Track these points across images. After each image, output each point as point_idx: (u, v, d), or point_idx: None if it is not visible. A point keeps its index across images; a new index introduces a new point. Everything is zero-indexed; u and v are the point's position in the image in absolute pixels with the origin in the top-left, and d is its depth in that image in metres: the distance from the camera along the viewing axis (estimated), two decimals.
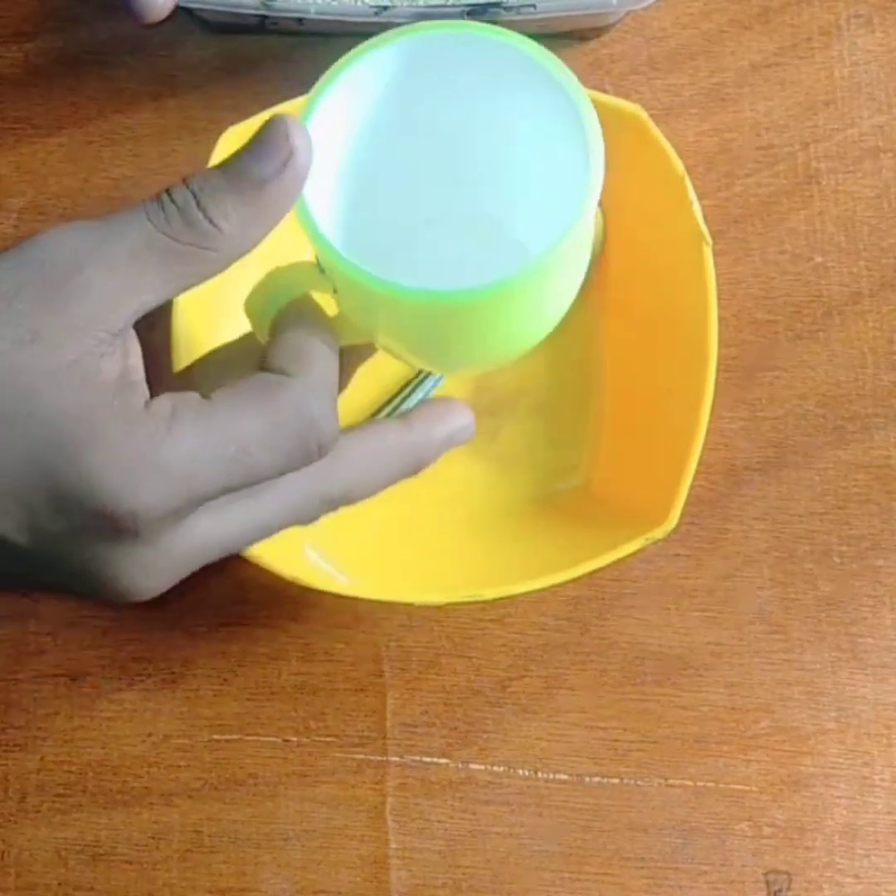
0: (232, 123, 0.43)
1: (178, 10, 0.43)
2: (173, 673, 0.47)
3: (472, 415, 0.34)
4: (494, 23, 0.46)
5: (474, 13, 0.45)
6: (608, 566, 0.41)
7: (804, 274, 0.49)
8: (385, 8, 0.45)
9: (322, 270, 0.32)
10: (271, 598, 0.47)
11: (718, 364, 0.42)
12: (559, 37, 0.48)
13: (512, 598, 0.42)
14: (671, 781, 0.47)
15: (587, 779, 0.47)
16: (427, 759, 0.47)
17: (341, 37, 0.36)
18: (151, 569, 0.30)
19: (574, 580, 0.41)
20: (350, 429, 0.33)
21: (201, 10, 0.46)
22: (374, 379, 0.48)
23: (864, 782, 0.47)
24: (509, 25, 0.46)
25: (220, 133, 0.43)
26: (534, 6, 0.45)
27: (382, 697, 0.47)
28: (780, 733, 0.47)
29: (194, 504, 0.29)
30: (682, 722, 0.47)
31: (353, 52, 0.32)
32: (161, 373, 0.32)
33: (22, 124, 0.50)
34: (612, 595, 0.48)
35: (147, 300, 0.29)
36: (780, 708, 0.47)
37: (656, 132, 0.43)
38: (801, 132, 0.50)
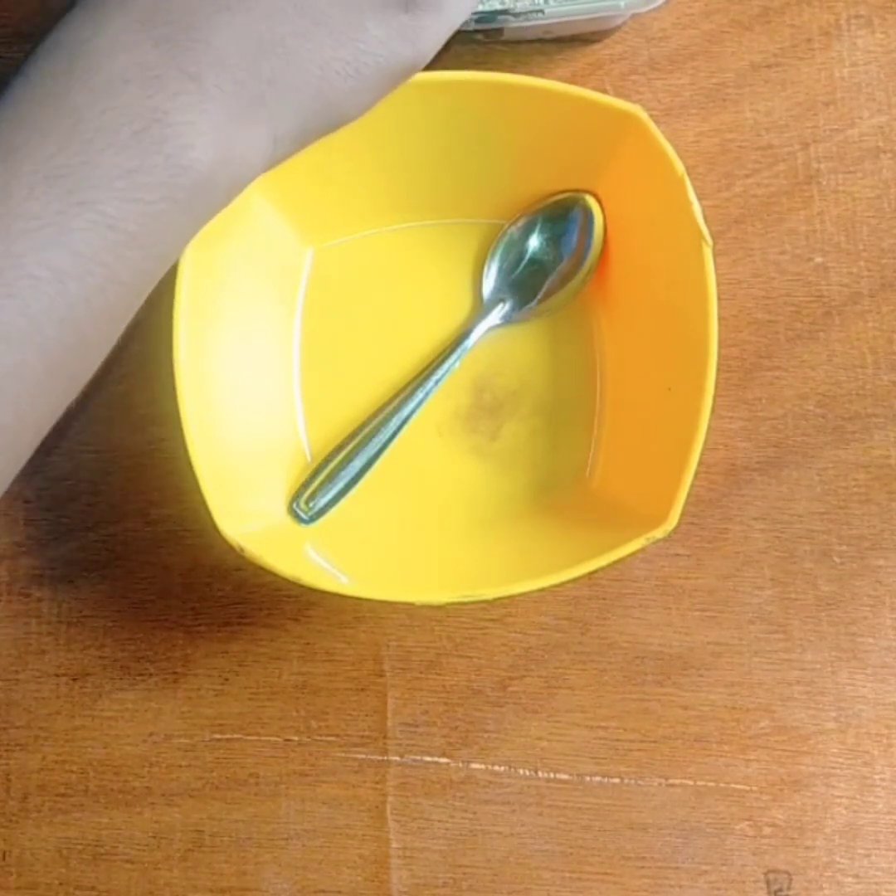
0: None
1: None
2: (175, 673, 0.47)
3: None
4: (503, 29, 0.46)
5: (483, 21, 0.45)
6: (608, 566, 0.41)
7: (804, 274, 0.49)
8: None
9: None
10: (272, 597, 0.47)
11: (718, 364, 0.42)
12: (563, 41, 0.48)
13: (512, 598, 0.42)
14: (671, 781, 0.47)
15: (588, 778, 0.47)
16: (428, 759, 0.47)
17: None
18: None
19: (574, 580, 0.41)
20: None
21: None
22: (371, 383, 0.48)
23: (865, 782, 0.47)
24: (517, 32, 0.47)
25: None
26: (542, 12, 0.45)
27: (383, 697, 0.47)
28: (780, 733, 0.47)
29: None
30: (683, 722, 0.47)
31: None
32: None
33: None
34: (612, 595, 0.48)
35: None
36: (780, 708, 0.47)
37: (656, 132, 0.43)
38: (801, 132, 0.50)
